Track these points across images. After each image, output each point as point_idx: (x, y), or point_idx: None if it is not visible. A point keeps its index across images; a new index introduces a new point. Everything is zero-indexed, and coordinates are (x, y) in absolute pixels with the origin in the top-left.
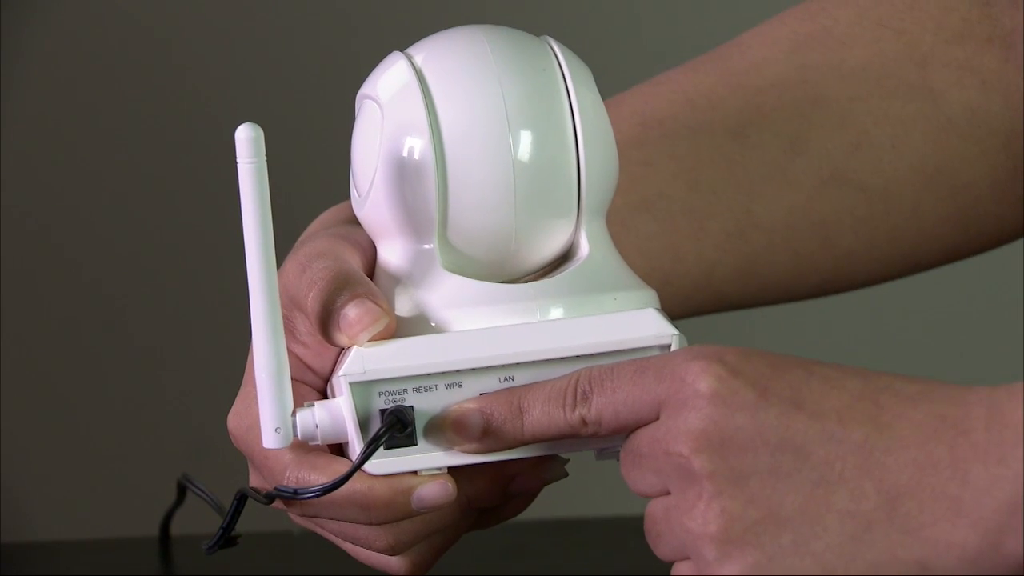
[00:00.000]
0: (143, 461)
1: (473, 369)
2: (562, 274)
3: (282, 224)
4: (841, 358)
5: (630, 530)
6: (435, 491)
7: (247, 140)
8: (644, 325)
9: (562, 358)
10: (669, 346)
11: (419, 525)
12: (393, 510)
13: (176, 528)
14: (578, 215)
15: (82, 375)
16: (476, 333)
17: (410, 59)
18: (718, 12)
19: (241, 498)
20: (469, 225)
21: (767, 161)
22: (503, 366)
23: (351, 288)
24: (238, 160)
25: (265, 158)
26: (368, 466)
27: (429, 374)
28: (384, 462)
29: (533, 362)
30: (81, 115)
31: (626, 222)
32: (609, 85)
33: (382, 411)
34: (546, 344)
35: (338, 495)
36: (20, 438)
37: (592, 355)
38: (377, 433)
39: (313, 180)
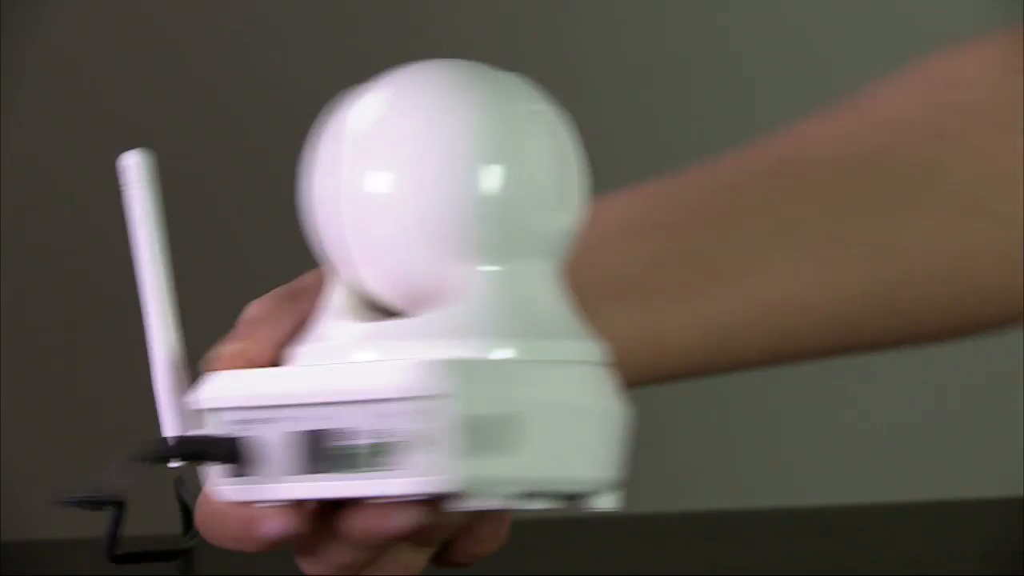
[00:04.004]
0: None
1: (278, 406)
2: (419, 317)
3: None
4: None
5: (631, 530)
6: (274, 525)
7: (132, 166)
8: (402, 375)
9: (318, 403)
10: (422, 397)
11: (343, 556)
12: (249, 541)
13: (177, 528)
14: (469, 256)
15: (86, 373)
16: (290, 371)
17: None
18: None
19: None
20: (366, 263)
21: (902, 189)
22: (283, 406)
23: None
24: (125, 187)
25: (151, 184)
26: (219, 491)
27: (256, 407)
28: (229, 489)
29: (285, 405)
30: (86, 114)
31: (764, 246)
32: (617, 101)
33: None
34: (306, 388)
35: (212, 526)
36: (22, 436)
37: (340, 403)
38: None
39: None
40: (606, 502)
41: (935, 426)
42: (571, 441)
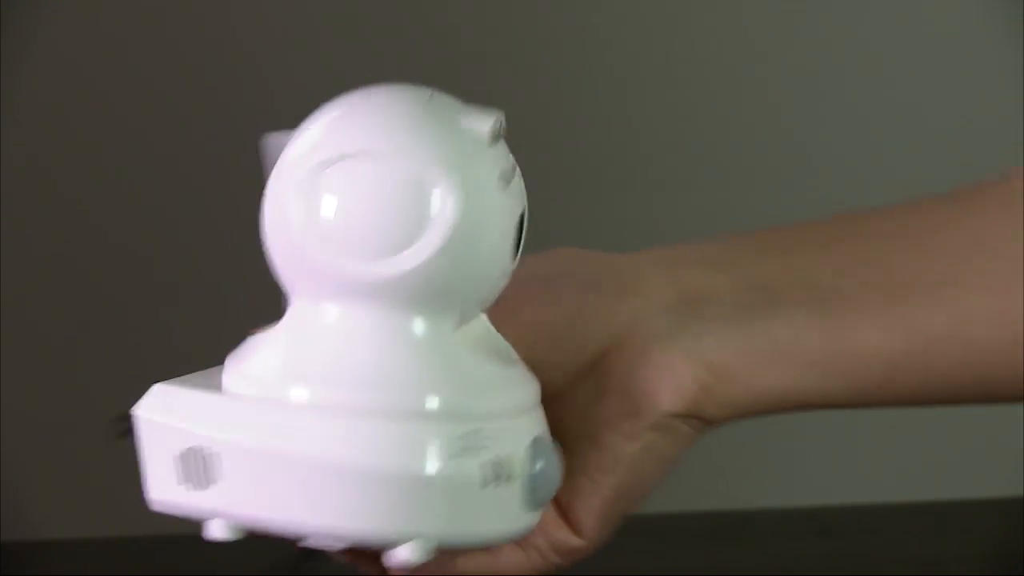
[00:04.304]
0: None
1: None
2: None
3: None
4: None
5: (635, 530)
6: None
7: (271, 145)
8: None
9: None
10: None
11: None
12: None
13: (176, 528)
14: (289, 287)
15: (86, 372)
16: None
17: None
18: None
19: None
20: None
21: None
22: None
23: None
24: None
25: None
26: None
27: None
28: None
29: None
30: (86, 114)
31: (962, 257)
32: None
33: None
34: None
35: None
36: (22, 436)
37: None
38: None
39: None
40: (399, 556)
41: (941, 425)
42: (289, 486)
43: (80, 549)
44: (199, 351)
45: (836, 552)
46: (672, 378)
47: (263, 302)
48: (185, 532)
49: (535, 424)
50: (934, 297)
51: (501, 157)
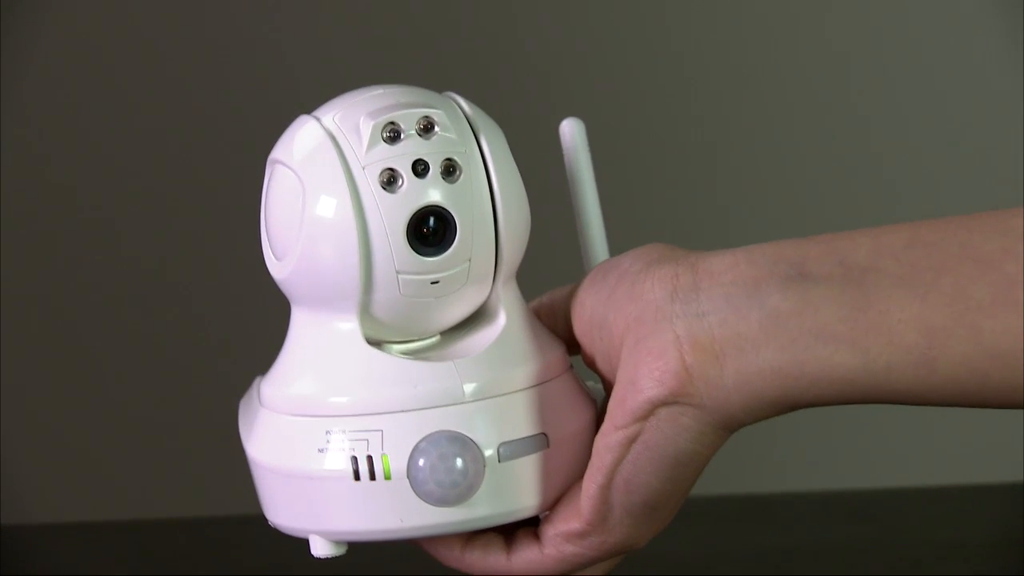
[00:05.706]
0: (144, 445)
1: None
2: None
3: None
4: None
5: None
6: None
7: (572, 131)
8: None
9: None
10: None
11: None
12: None
13: (172, 512)
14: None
15: (86, 356)
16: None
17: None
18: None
19: None
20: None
21: None
22: None
23: None
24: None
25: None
26: None
27: None
28: None
29: None
30: (84, 117)
31: None
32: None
33: None
34: None
35: None
36: (22, 422)
37: None
38: None
39: None
40: (313, 551)
41: (972, 408)
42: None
43: (79, 534)
44: (202, 337)
45: (865, 536)
46: (656, 364)
47: (260, 304)
48: (183, 516)
49: (438, 422)
50: (986, 266)
51: (393, 159)
